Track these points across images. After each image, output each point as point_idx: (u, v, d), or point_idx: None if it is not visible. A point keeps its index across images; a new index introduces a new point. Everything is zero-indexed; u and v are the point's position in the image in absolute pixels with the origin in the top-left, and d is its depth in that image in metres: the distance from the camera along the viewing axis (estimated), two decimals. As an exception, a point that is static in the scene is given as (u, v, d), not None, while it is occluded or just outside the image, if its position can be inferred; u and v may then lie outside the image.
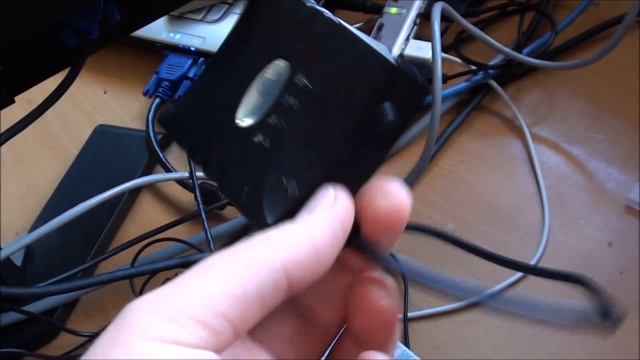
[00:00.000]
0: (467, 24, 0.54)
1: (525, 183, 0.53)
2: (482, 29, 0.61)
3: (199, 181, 0.55)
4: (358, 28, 0.63)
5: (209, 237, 0.46)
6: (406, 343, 0.47)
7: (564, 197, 0.52)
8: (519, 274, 0.48)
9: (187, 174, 0.51)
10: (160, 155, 0.57)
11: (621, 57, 0.58)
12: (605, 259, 0.49)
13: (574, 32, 0.60)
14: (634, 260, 0.49)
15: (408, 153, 0.56)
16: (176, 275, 0.23)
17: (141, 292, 0.48)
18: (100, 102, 0.67)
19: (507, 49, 0.54)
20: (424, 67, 0.58)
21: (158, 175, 0.53)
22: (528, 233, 0.51)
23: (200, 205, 0.48)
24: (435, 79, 0.45)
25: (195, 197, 0.50)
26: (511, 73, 0.58)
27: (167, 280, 0.41)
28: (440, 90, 0.46)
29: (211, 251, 0.49)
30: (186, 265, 0.46)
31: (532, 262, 0.49)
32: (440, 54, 0.45)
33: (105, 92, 0.67)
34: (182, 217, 0.53)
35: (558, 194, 0.52)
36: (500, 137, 0.56)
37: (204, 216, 0.47)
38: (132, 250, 0.52)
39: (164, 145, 0.61)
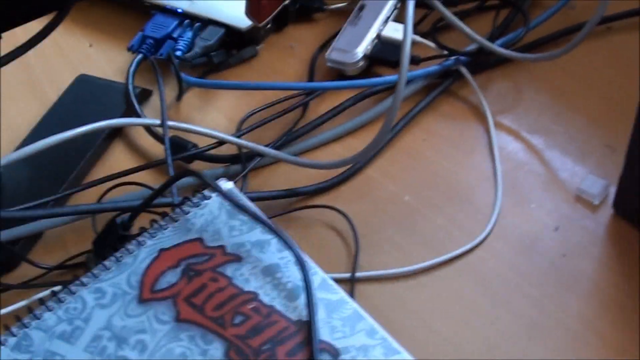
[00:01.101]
0: (444, 10, 0.56)
1: (482, 165, 0.55)
2: (459, 20, 0.63)
3: (170, 132, 0.57)
4: (342, 7, 0.66)
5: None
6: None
7: (518, 181, 0.54)
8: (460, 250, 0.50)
9: (158, 121, 0.53)
10: (135, 105, 0.59)
11: (589, 58, 0.61)
12: (550, 241, 0.51)
13: (547, 30, 0.62)
14: (578, 245, 0.51)
15: (375, 129, 0.58)
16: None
17: (102, 231, 0.50)
18: (86, 55, 0.68)
19: (479, 37, 0.56)
20: (399, 48, 0.60)
21: (127, 119, 0.55)
22: (479, 211, 0.53)
23: (168, 151, 0.50)
24: (402, 56, 0.47)
25: (166, 147, 0.51)
26: (482, 62, 0.60)
27: (152, 222, 0.43)
28: (406, 68, 0.47)
29: (173, 198, 0.50)
30: (147, 206, 0.48)
31: (480, 238, 0.51)
32: (410, 32, 0.47)
33: (91, 45, 0.69)
34: (149, 163, 0.55)
35: (513, 179, 0.54)
36: (465, 121, 0.58)
37: (169, 162, 0.49)
38: (100, 191, 0.54)
39: (142, 98, 0.63)
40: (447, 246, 0.51)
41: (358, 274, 0.50)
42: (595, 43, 0.62)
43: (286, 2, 0.64)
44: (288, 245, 0.42)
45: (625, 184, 0.50)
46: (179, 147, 0.57)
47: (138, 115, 0.59)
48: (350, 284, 0.50)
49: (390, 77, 0.57)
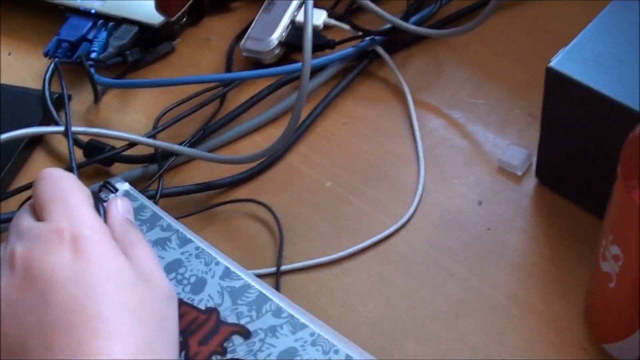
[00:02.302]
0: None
1: (404, 145, 0.55)
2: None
3: (89, 138, 0.56)
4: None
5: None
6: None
7: (440, 159, 0.53)
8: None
9: (62, 128, 0.52)
10: (52, 112, 0.58)
11: (507, 27, 0.60)
12: (475, 216, 0.50)
13: (465, 3, 0.61)
14: (501, 218, 0.50)
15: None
16: None
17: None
18: (5, 64, 0.67)
19: (390, 16, 0.55)
20: (314, 32, 0.59)
21: (33, 129, 0.53)
22: (403, 192, 0.52)
23: (72, 155, 0.49)
24: (305, 41, 0.46)
25: (69, 151, 0.50)
26: (399, 41, 0.59)
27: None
28: (309, 55, 0.47)
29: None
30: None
31: (405, 218, 0.50)
32: (311, 17, 0.46)
33: (9, 54, 0.67)
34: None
35: (435, 156, 0.54)
36: (384, 102, 0.57)
37: (74, 165, 0.48)
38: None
39: (59, 104, 0.61)
40: (372, 230, 0.50)
41: (284, 267, 0.49)
42: (514, 11, 0.61)
43: (199, -7, 0.63)
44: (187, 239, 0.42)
45: (544, 152, 0.49)
46: (97, 150, 0.56)
47: (55, 122, 0.58)
48: (275, 277, 0.49)
49: (298, 65, 0.56)
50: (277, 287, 0.48)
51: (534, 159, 0.51)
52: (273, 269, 0.49)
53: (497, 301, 0.47)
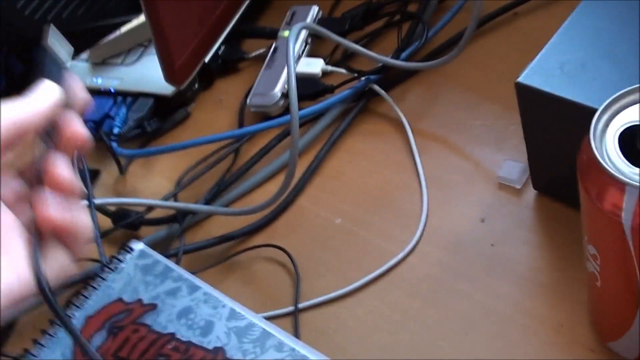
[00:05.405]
0: (338, 39, 0.59)
1: (406, 174, 0.57)
2: (370, 40, 0.66)
3: (115, 207, 0.60)
4: (263, 53, 0.68)
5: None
6: (296, 333, 0.50)
7: (441, 182, 0.55)
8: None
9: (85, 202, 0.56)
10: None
11: (495, 46, 0.62)
12: (478, 233, 0.52)
13: (453, 32, 0.63)
14: (504, 232, 0.52)
15: (302, 160, 0.60)
16: None
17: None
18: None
19: (379, 57, 0.59)
20: (314, 80, 0.63)
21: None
22: (408, 220, 0.54)
23: (95, 224, 0.52)
24: (290, 91, 0.49)
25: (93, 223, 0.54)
26: (395, 76, 0.62)
27: (77, 294, 0.45)
28: (295, 104, 0.50)
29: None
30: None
31: (411, 245, 0.52)
32: (293, 71, 0.50)
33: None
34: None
35: (436, 181, 0.56)
36: (385, 136, 0.60)
37: (97, 236, 0.52)
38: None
39: (92, 178, 0.66)
40: (381, 260, 0.52)
41: (301, 305, 0.52)
42: (500, 28, 0.63)
43: (205, 61, 0.67)
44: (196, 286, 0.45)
45: (534, 163, 0.51)
46: (123, 216, 0.60)
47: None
48: (294, 316, 0.51)
49: (285, 118, 0.59)
50: (296, 325, 0.51)
51: (530, 171, 0.53)
52: (291, 308, 0.52)
53: (504, 313, 0.48)
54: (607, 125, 0.35)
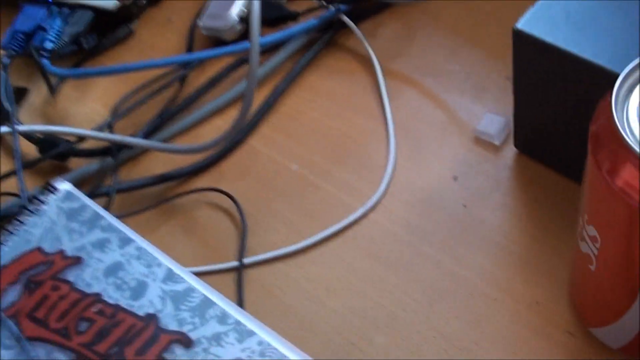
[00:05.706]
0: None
1: (374, 120, 0.51)
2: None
3: (41, 134, 0.53)
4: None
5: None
6: (240, 292, 0.45)
7: (412, 132, 0.50)
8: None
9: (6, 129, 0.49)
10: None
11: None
12: (449, 193, 0.47)
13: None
14: (478, 193, 0.46)
15: (257, 95, 0.53)
16: None
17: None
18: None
19: (353, -19, 0.52)
20: (276, 5, 0.56)
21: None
22: (372, 172, 0.49)
23: (18, 154, 0.46)
24: (252, 12, 0.43)
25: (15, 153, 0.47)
26: (367, 8, 0.55)
27: None
28: (257, 28, 0.44)
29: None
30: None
31: (374, 199, 0.47)
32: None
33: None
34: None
35: (406, 130, 0.50)
36: (352, 75, 0.54)
37: (19, 167, 0.45)
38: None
39: (18, 98, 0.58)
40: (339, 214, 0.47)
41: (246, 260, 0.46)
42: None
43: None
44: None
45: (520, 119, 0.45)
46: (51, 145, 0.53)
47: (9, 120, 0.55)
48: (238, 272, 0.46)
49: (243, 45, 0.52)
50: (240, 283, 0.45)
51: (512, 127, 0.47)
52: (236, 263, 0.46)
53: (474, 285, 0.43)
54: (630, 91, 0.30)
